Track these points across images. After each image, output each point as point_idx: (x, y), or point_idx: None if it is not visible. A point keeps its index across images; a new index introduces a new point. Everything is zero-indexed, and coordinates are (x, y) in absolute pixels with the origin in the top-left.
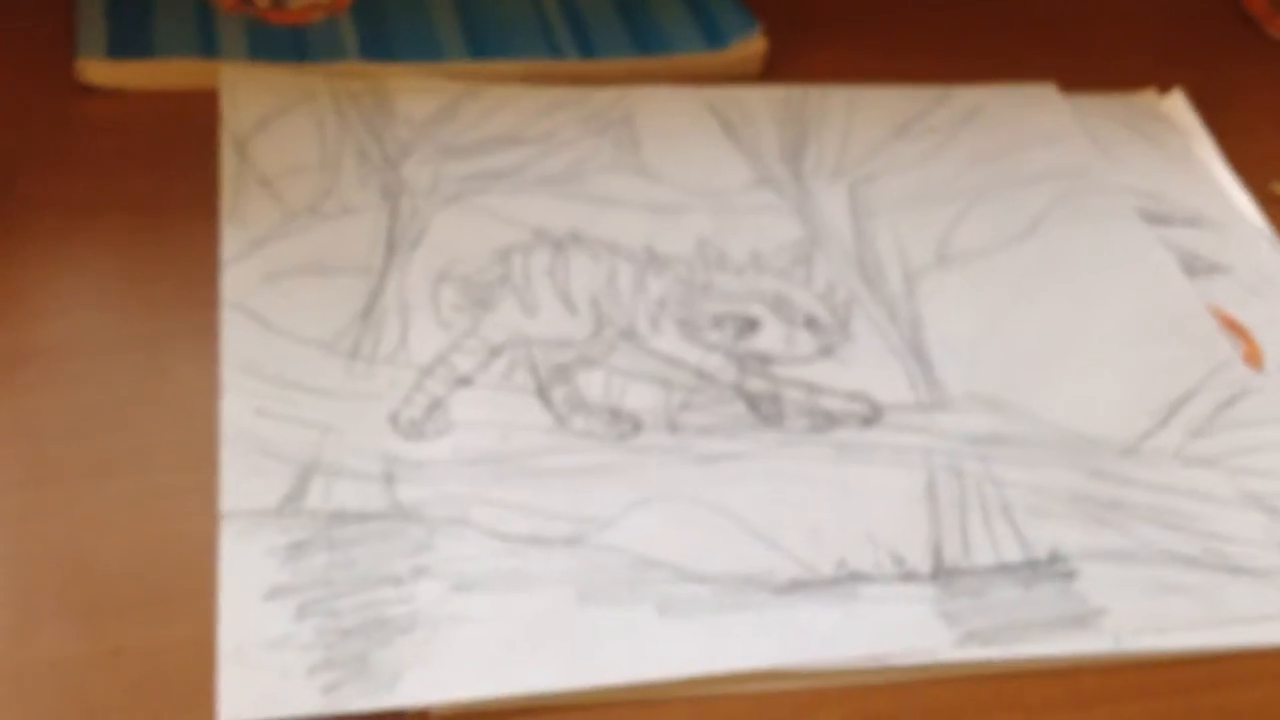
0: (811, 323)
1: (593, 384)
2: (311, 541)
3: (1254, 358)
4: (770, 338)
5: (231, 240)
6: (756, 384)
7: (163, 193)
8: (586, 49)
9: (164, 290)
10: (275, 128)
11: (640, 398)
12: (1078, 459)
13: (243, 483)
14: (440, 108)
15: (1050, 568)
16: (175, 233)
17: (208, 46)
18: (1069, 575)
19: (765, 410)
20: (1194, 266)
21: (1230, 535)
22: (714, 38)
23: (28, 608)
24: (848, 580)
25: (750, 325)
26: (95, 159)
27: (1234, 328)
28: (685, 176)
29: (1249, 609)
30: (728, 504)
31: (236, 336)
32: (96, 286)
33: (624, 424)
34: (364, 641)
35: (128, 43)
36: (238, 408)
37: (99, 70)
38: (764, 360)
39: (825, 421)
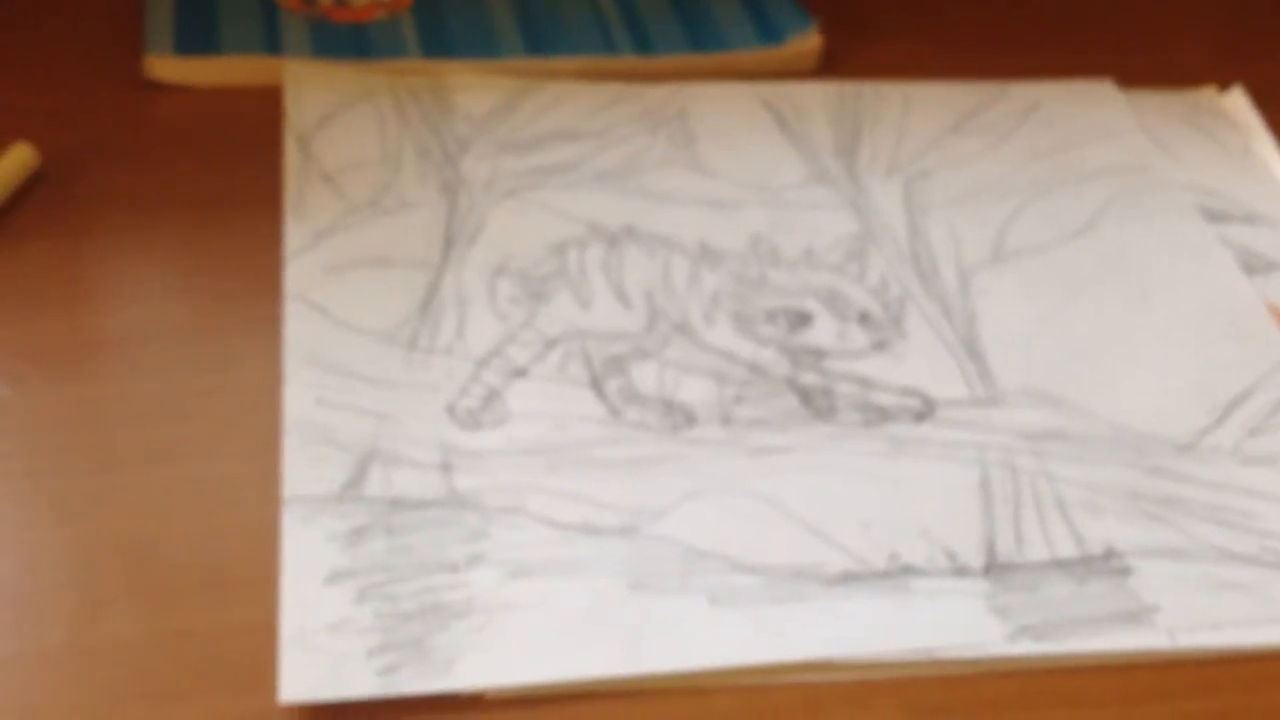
0: (865, 318)
1: (646, 376)
2: (370, 527)
3: None
4: (823, 332)
5: (295, 233)
6: (809, 378)
7: (228, 187)
8: (642, 45)
9: (229, 282)
10: (337, 123)
11: (694, 390)
12: (1133, 456)
13: (304, 470)
14: (498, 104)
15: (1104, 564)
16: (241, 226)
17: (272, 44)
18: (1124, 572)
19: (818, 404)
20: (1252, 264)
21: None
22: (769, 34)
23: (96, 590)
24: (899, 573)
25: (803, 320)
26: (163, 154)
27: None
28: (739, 172)
29: None
30: (779, 496)
31: (299, 327)
32: (164, 278)
33: (677, 416)
34: (421, 626)
35: (194, 40)
36: (299, 397)
37: (166, 67)
38: (817, 354)
39: (878, 416)
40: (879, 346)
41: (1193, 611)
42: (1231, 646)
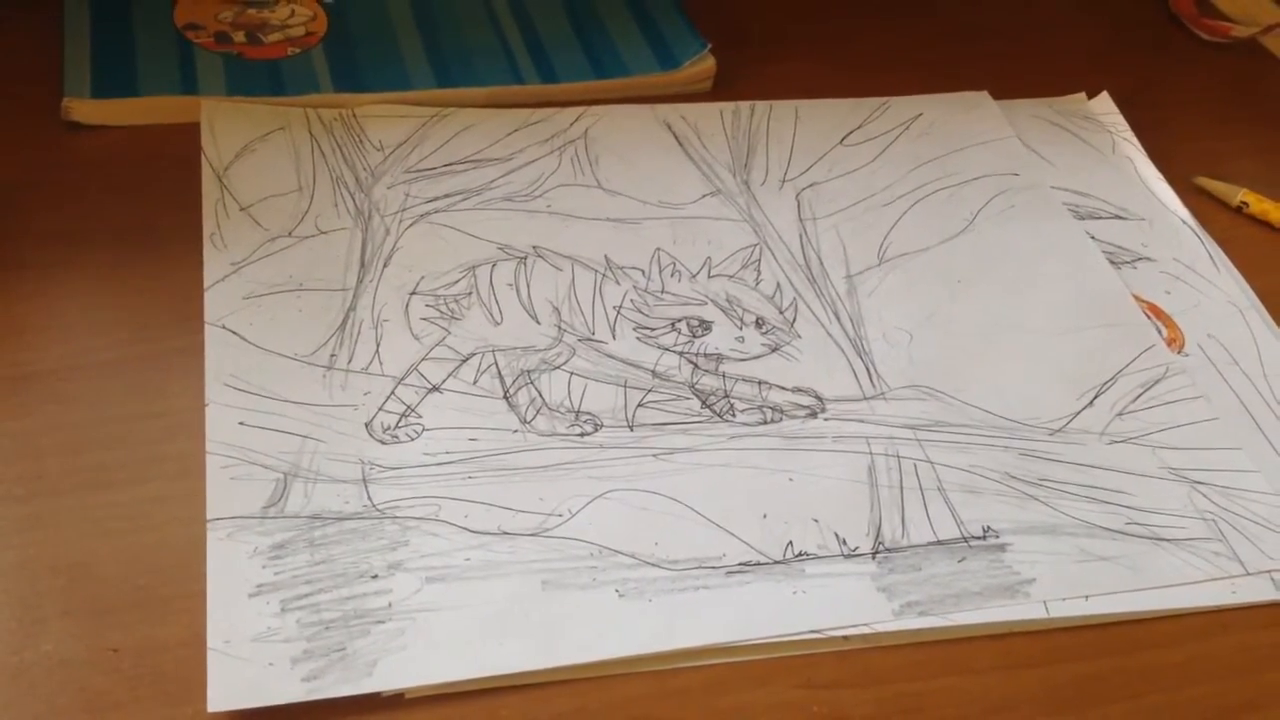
0: (760, 322)
1: (555, 387)
2: (293, 542)
3: (1176, 341)
4: (722, 338)
5: (213, 263)
6: (709, 381)
7: (149, 221)
8: (547, 73)
9: (153, 313)
10: (253, 157)
11: (600, 398)
12: (1009, 440)
13: (227, 490)
14: (408, 133)
15: (983, 542)
16: (163, 258)
17: (188, 83)
18: (1000, 548)
19: (717, 406)
20: (1120, 257)
21: (1152, 507)
22: (666, 59)
23: (32, 611)
24: (795, 560)
25: (703, 326)
26: (84, 191)
27: (1158, 314)
28: (641, 190)
29: (1170, 575)
30: (683, 494)
31: (220, 353)
32: (89, 311)
33: (585, 423)
34: (343, 633)
35: (111, 82)
36: (222, 419)
37: (85, 109)
38: (716, 359)
39: (773, 414)
40: (774, 349)
41: (1065, 583)
42: (1102, 614)
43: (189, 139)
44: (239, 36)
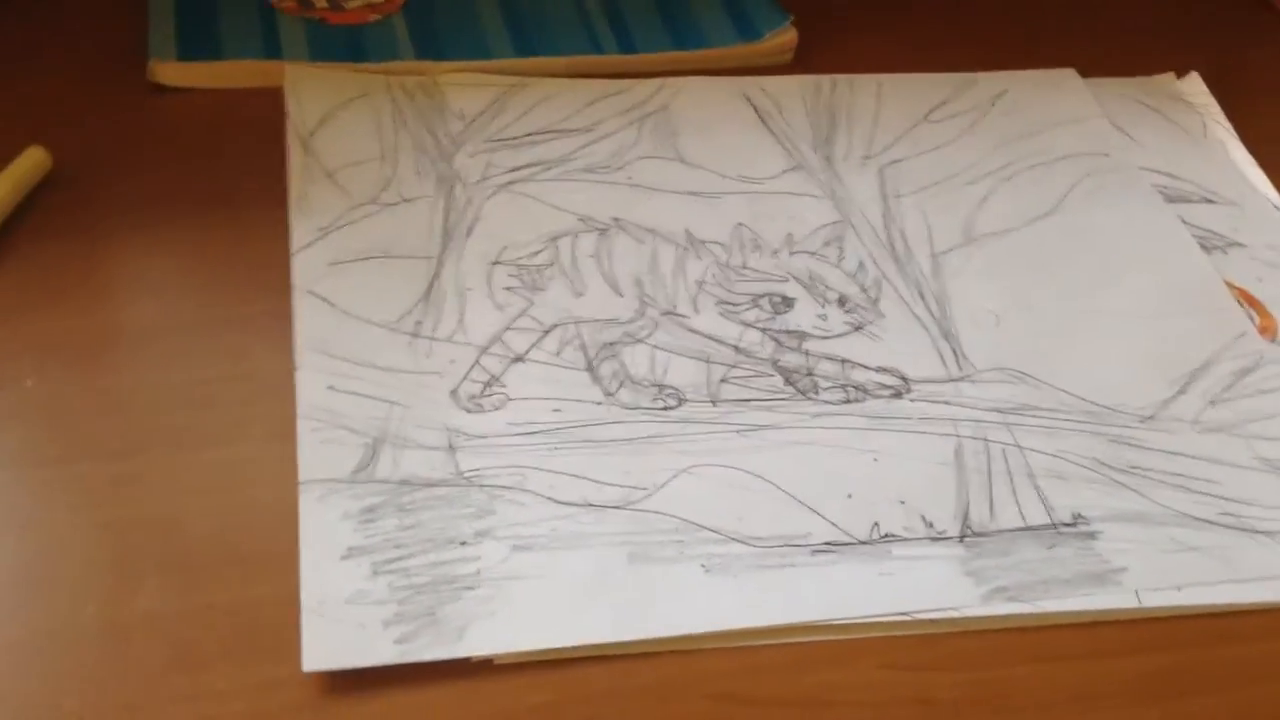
0: (843, 301)
1: (638, 360)
2: (382, 506)
3: (1269, 330)
4: (804, 315)
5: (300, 229)
6: (792, 359)
7: (233, 185)
8: (626, 44)
9: (239, 276)
10: (336, 123)
11: (683, 373)
12: (1098, 426)
13: (318, 453)
14: (489, 102)
15: (1072, 529)
16: (246, 223)
17: (271, 48)
18: (1090, 536)
19: (801, 384)
20: (1211, 243)
21: (1244, 498)
22: (747, 30)
23: (127, 568)
24: (880, 541)
25: (786, 303)
26: (169, 155)
27: (1250, 301)
28: (722, 163)
29: (1262, 568)
30: (766, 471)
31: (308, 318)
32: (175, 274)
33: (668, 397)
34: (433, 598)
35: (196, 45)
36: (312, 384)
37: (170, 71)
38: (799, 336)
39: (858, 394)
40: (857, 328)
41: (1157, 572)
42: (1193, 605)
43: (272, 103)
44: (321, 2)
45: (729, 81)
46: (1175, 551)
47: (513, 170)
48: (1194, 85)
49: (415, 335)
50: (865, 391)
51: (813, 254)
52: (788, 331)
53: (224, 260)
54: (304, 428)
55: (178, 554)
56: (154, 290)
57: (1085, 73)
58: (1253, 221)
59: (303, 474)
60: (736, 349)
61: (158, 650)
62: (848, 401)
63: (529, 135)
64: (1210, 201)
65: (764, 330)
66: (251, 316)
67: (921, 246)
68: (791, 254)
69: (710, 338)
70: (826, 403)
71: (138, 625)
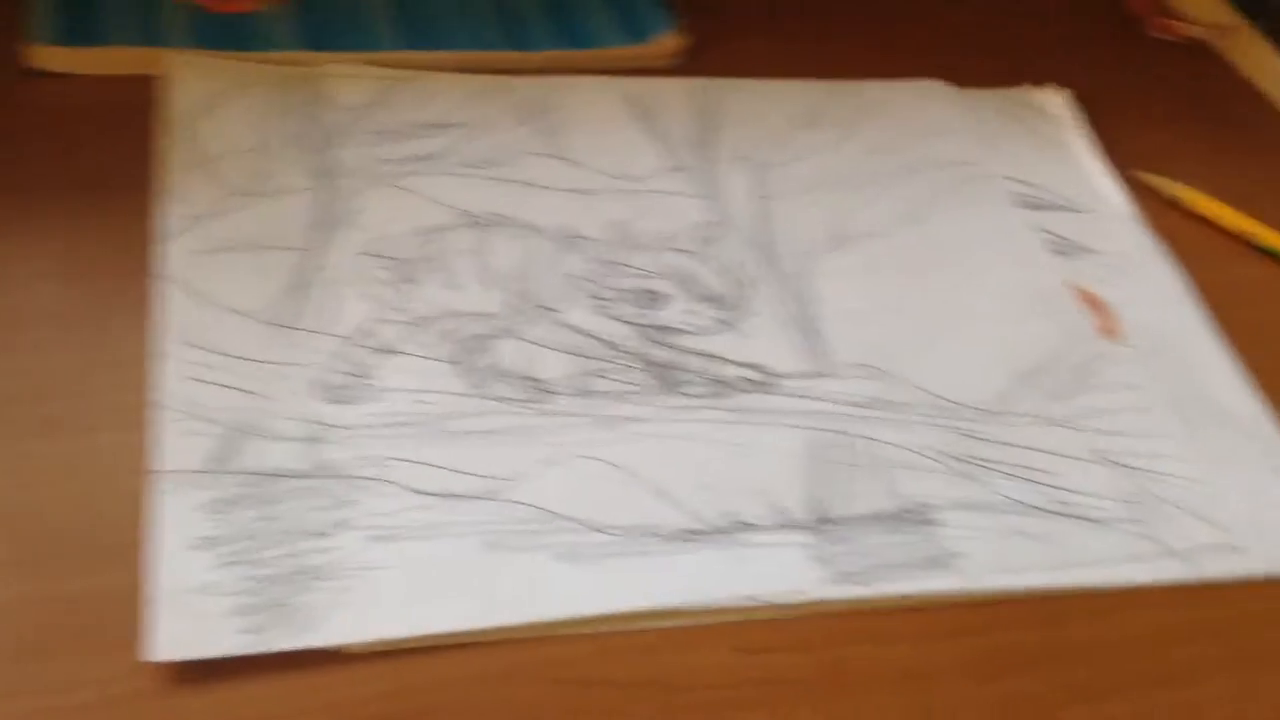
0: (714, 298)
1: (508, 354)
2: (240, 498)
3: (1112, 330)
4: (675, 311)
5: (171, 218)
6: (661, 354)
7: (108, 172)
8: (516, 41)
9: (107, 264)
10: (216, 112)
11: (552, 366)
12: (947, 420)
13: (175, 443)
14: (373, 95)
15: (917, 516)
16: (119, 210)
17: (153, 34)
18: (933, 523)
19: (668, 378)
20: (1063, 248)
21: (1079, 488)
22: (635, 32)
23: None
24: (735, 529)
25: (658, 300)
26: (44, 140)
27: (1096, 304)
28: (603, 162)
29: (1091, 553)
30: (628, 463)
31: (173, 307)
32: (42, 260)
33: (536, 390)
34: (286, 588)
35: (77, 30)
36: (172, 373)
37: (48, 56)
38: (669, 332)
39: (723, 388)
40: (726, 324)
41: (992, 557)
42: (1025, 588)
43: (152, 91)
44: None
45: (614, 81)
46: (1011, 537)
47: (393, 163)
48: (1056, 98)
49: (282, 326)
50: (730, 386)
51: (687, 252)
52: (658, 327)
53: (92, 248)
54: (162, 417)
55: (27, 543)
56: (17, 276)
57: (956, 83)
58: (1103, 228)
59: (157, 464)
60: (607, 344)
61: (4, 639)
62: (713, 396)
63: (412, 129)
64: (1064, 209)
65: (635, 326)
66: (117, 305)
67: (792, 247)
68: (666, 252)
69: (581, 332)
70: (693, 396)
71: None
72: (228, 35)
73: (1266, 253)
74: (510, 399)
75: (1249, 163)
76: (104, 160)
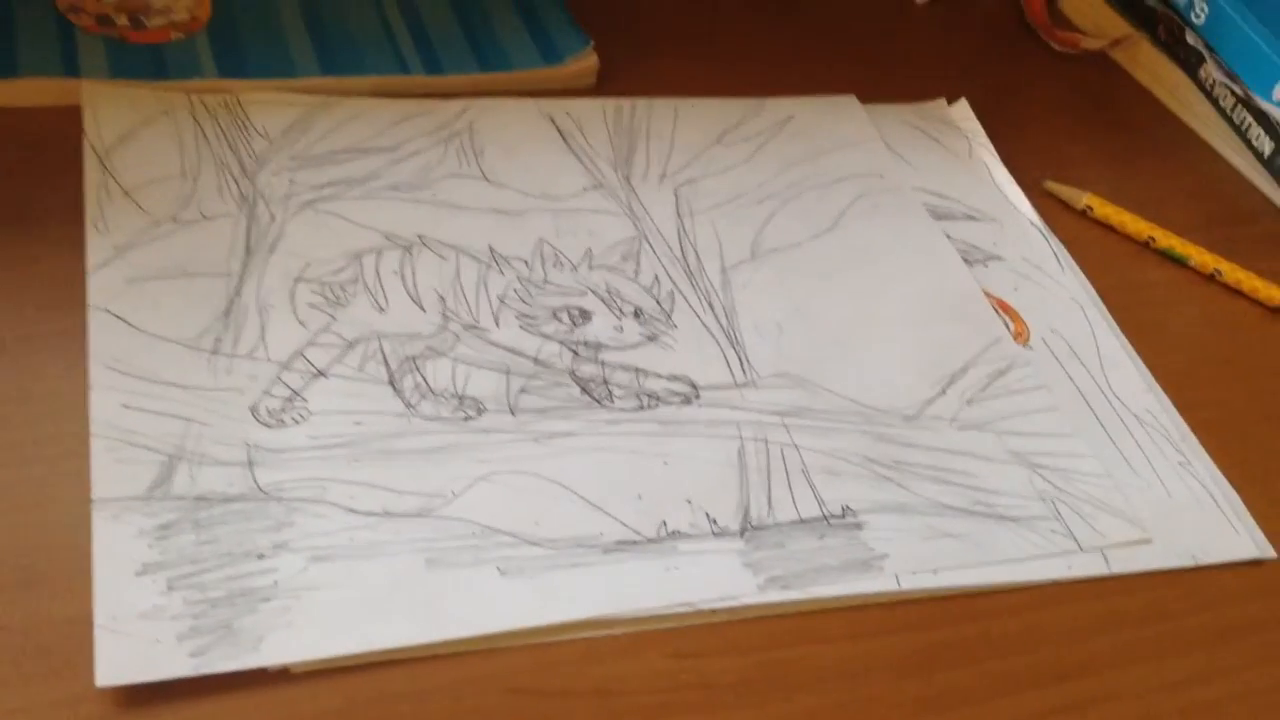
0: (639, 312)
1: (439, 373)
2: (178, 523)
3: (1022, 336)
4: (601, 327)
5: (96, 247)
6: (589, 369)
7: (29, 204)
8: (432, 65)
9: (32, 296)
10: (136, 141)
11: (483, 384)
12: (867, 426)
13: (112, 471)
14: (294, 120)
15: (841, 520)
16: (41, 241)
17: (69, 65)
18: (857, 526)
19: (597, 392)
20: (973, 256)
21: (996, 488)
22: (551, 54)
23: None
24: (667, 539)
25: (584, 316)
26: None
27: (1006, 309)
28: (525, 182)
29: (1011, 551)
30: (562, 476)
31: (103, 337)
32: None
33: (469, 408)
34: (229, 610)
35: None
36: (106, 402)
37: None
38: (596, 347)
39: (650, 401)
40: (651, 338)
41: (915, 558)
42: (948, 587)
43: (70, 122)
44: (121, 20)
45: (532, 103)
46: (932, 538)
47: (317, 188)
48: (963, 111)
49: (215, 353)
50: (658, 399)
51: (611, 268)
52: (585, 343)
53: (18, 279)
54: (97, 446)
55: None
56: None
57: (865, 99)
58: (1011, 237)
59: (96, 492)
60: (535, 360)
61: None
62: (641, 409)
63: (334, 153)
64: (973, 219)
65: (562, 342)
66: (45, 336)
67: (712, 261)
68: (591, 269)
69: (510, 350)
70: (621, 410)
71: None
72: (145, 65)
73: (1167, 256)
74: (443, 417)
75: (1149, 168)
76: (27, 192)
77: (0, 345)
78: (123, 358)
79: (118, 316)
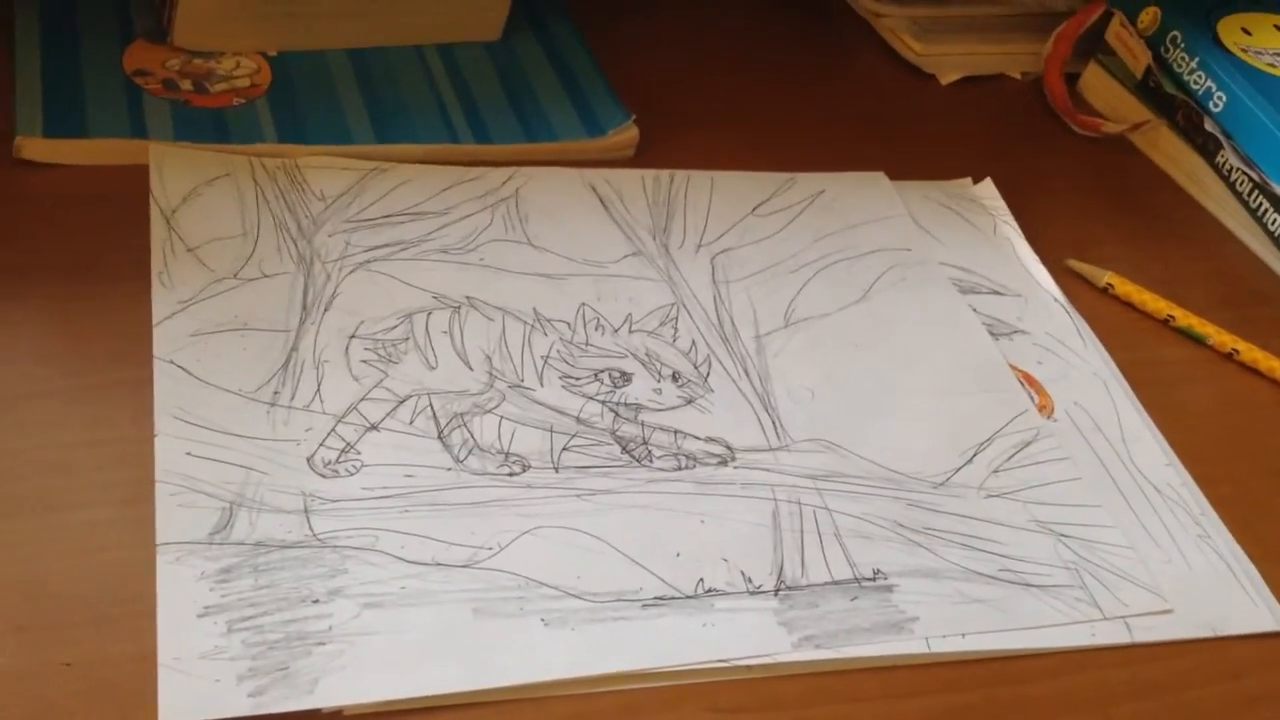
0: (676, 376)
1: (486, 429)
2: (238, 567)
3: (1046, 407)
4: (641, 389)
5: (161, 301)
6: (629, 429)
7: (96, 258)
8: (480, 134)
9: (101, 346)
10: (199, 200)
11: (528, 441)
12: (897, 492)
13: (176, 516)
14: (349, 185)
15: (873, 583)
16: (109, 295)
17: (137, 127)
18: (889, 589)
19: (636, 452)
20: (998, 329)
21: (1021, 556)
22: (593, 126)
23: None
24: (704, 595)
25: (624, 378)
26: (33, 227)
27: (1030, 382)
28: (567, 247)
29: (1036, 618)
30: (603, 532)
31: (168, 386)
32: (38, 342)
33: (513, 464)
34: (286, 653)
35: (62, 122)
36: (170, 449)
37: (36, 147)
38: (635, 408)
39: (687, 461)
40: (689, 401)
41: (944, 622)
42: (976, 651)
43: (137, 181)
44: (186, 85)
45: (575, 172)
46: (961, 603)
47: (370, 249)
48: (988, 189)
49: (273, 404)
50: (695, 460)
51: (650, 333)
52: (625, 404)
53: (86, 331)
54: (162, 491)
55: (35, 614)
56: (15, 359)
57: (895, 175)
58: (1034, 311)
59: (160, 536)
60: (578, 419)
61: (18, 707)
62: (679, 469)
63: (387, 217)
64: (998, 293)
65: (603, 402)
66: (112, 385)
67: (747, 328)
68: (630, 332)
69: (553, 409)
70: (660, 470)
71: None
72: (207, 128)
73: (1187, 335)
74: (489, 472)
75: (1167, 249)
76: (96, 247)
77: (71, 393)
78: (186, 407)
79: (182, 368)
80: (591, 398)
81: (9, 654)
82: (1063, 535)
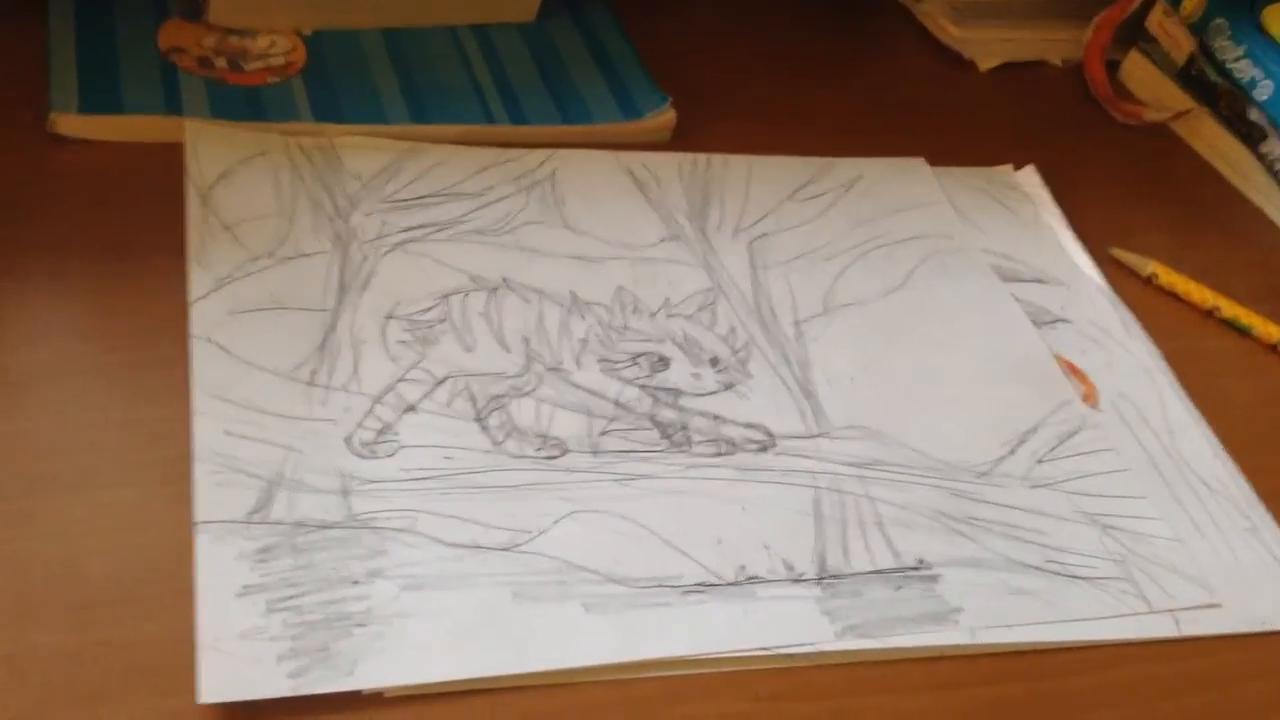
0: (715, 361)
1: (524, 412)
2: (277, 547)
3: (1090, 397)
4: (680, 374)
5: (198, 280)
6: (668, 414)
7: (132, 235)
8: (516, 116)
9: (137, 324)
10: (235, 179)
11: (566, 425)
12: (941, 481)
13: (214, 495)
14: (385, 164)
15: (916, 572)
16: (144, 272)
17: (172, 104)
18: (932, 579)
19: (675, 437)
20: (1040, 318)
21: (1067, 547)
22: (630, 109)
23: (23, 604)
24: (746, 583)
25: (662, 362)
26: (69, 204)
27: (1074, 371)
28: (604, 230)
29: (1082, 609)
30: (642, 517)
31: (205, 365)
32: (73, 319)
33: (552, 447)
34: (326, 634)
35: (97, 99)
36: (208, 428)
37: (71, 123)
38: (674, 393)
39: (727, 447)
40: (728, 386)
41: (989, 612)
42: (1020, 643)
43: (172, 158)
44: (221, 62)
45: (612, 155)
46: (1006, 594)
47: (406, 230)
48: (1029, 176)
49: (311, 384)
50: (735, 445)
51: (688, 317)
52: (664, 388)
53: (122, 307)
54: (200, 470)
55: (73, 592)
56: (52, 335)
57: (933, 162)
58: (1078, 300)
59: (199, 515)
60: (616, 403)
61: (55, 685)
62: (719, 455)
63: (422, 198)
64: (1041, 281)
65: (642, 387)
66: (149, 362)
67: (786, 314)
68: (668, 317)
69: (592, 392)
70: (699, 455)
71: (33, 661)
72: (242, 105)
73: (1231, 326)
74: (527, 455)
75: (1209, 238)
76: (131, 224)
77: (107, 371)
78: (224, 386)
79: (219, 346)
80: (630, 381)
81: (45, 631)
82: (1109, 527)
